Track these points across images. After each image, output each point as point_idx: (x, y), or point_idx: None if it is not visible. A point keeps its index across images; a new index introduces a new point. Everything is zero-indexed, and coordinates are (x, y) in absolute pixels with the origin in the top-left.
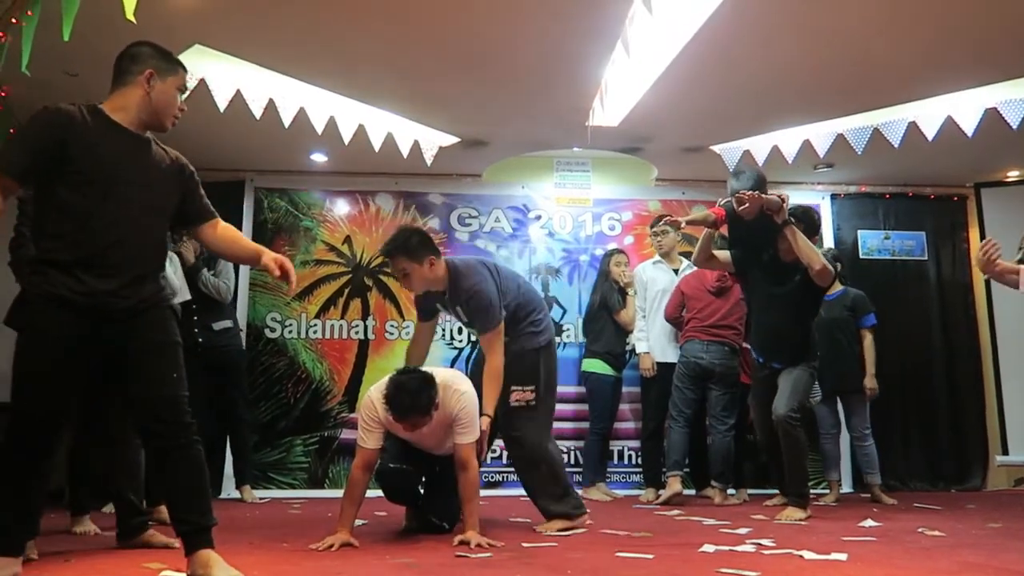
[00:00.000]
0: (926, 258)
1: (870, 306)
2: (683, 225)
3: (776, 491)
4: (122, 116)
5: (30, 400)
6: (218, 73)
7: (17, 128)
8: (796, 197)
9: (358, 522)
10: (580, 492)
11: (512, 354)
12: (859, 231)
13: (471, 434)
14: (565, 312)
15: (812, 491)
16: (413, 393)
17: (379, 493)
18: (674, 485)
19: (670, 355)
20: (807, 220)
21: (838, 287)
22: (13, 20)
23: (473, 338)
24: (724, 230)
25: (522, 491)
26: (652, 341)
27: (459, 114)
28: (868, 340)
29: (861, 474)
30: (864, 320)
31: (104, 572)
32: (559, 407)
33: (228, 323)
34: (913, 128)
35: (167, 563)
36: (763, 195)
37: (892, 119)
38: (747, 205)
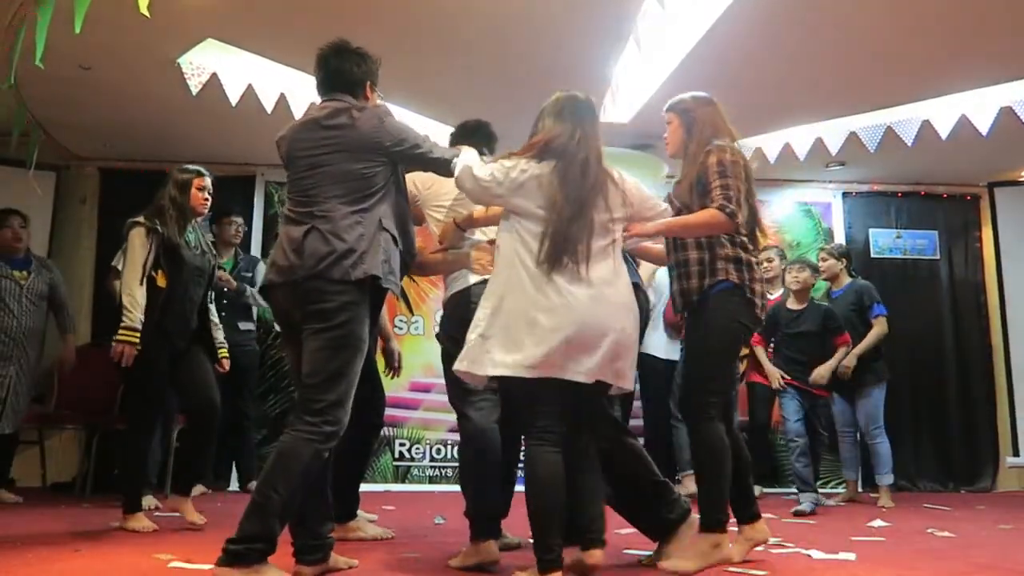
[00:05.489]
0: (938, 257)
1: (875, 295)
2: None
3: (784, 489)
4: None
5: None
6: (230, 68)
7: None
8: (807, 195)
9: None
10: None
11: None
12: (871, 230)
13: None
14: None
15: (826, 490)
16: None
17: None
18: (689, 485)
19: (673, 353)
20: None
21: (846, 280)
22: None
23: None
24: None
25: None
26: (655, 339)
27: (467, 109)
28: (874, 330)
29: (871, 473)
30: (871, 311)
31: (115, 562)
32: None
33: (251, 325)
34: (927, 126)
35: (176, 554)
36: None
37: (906, 117)
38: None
